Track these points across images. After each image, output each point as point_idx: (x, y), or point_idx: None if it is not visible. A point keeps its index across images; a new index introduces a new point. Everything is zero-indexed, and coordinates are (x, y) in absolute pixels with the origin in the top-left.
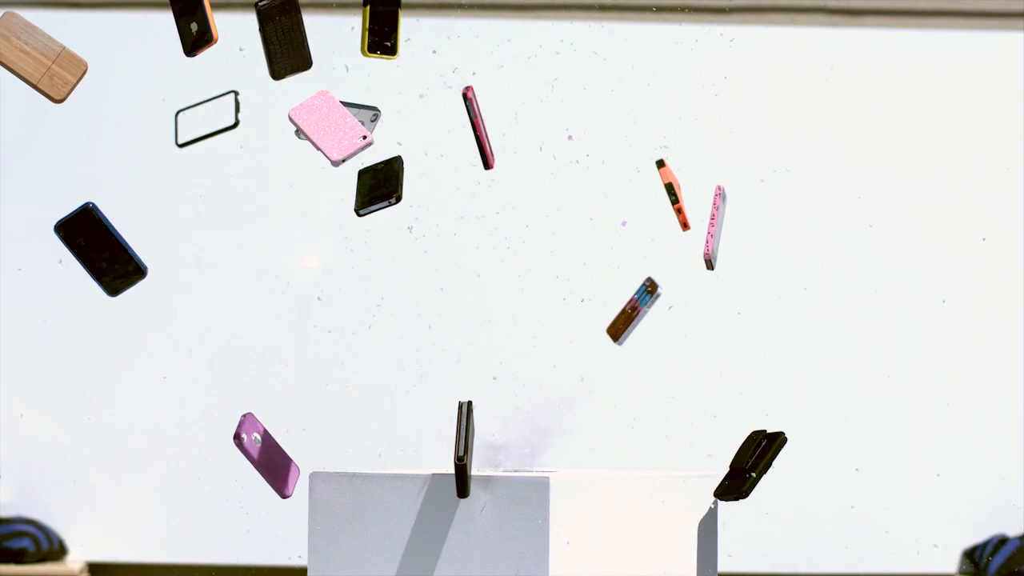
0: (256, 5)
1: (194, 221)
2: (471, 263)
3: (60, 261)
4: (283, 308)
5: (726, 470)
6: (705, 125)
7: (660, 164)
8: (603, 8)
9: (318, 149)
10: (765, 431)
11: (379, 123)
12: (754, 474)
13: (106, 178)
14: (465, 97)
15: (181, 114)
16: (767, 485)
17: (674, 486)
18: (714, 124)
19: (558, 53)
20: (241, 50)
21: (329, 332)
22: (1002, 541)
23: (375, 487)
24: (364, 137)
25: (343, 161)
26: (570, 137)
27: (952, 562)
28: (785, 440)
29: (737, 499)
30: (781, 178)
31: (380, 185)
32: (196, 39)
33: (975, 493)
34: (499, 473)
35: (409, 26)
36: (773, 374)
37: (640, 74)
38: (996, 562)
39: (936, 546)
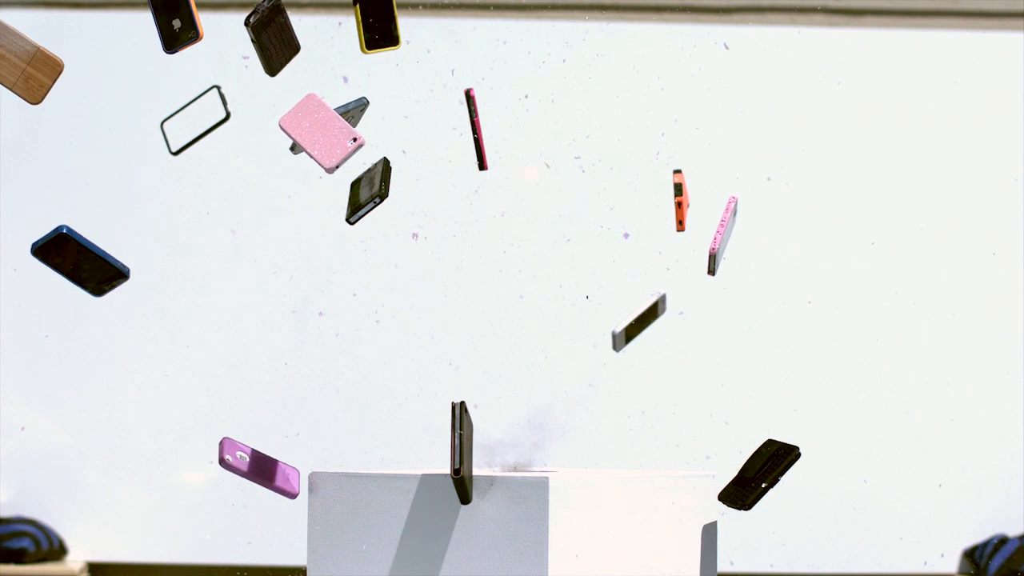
0: (248, 22)
1: (195, 224)
2: (472, 266)
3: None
4: (286, 311)
5: (727, 472)
6: (704, 127)
7: (677, 171)
8: (603, 8)
9: (312, 158)
10: (780, 442)
11: (377, 126)
12: (764, 485)
13: (103, 179)
14: (468, 96)
15: (167, 123)
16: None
17: (674, 487)
18: (713, 126)
19: (550, 55)
20: (245, 58)
21: (337, 335)
22: (1002, 541)
23: (375, 487)
24: (355, 139)
25: (337, 167)
26: (577, 157)
27: (952, 562)
28: (799, 455)
29: (740, 509)
30: (781, 183)
31: (367, 189)
32: (178, 36)
33: (975, 494)
34: (499, 473)
35: (407, 26)
36: (774, 379)
37: (640, 75)
38: (996, 562)
39: (936, 545)
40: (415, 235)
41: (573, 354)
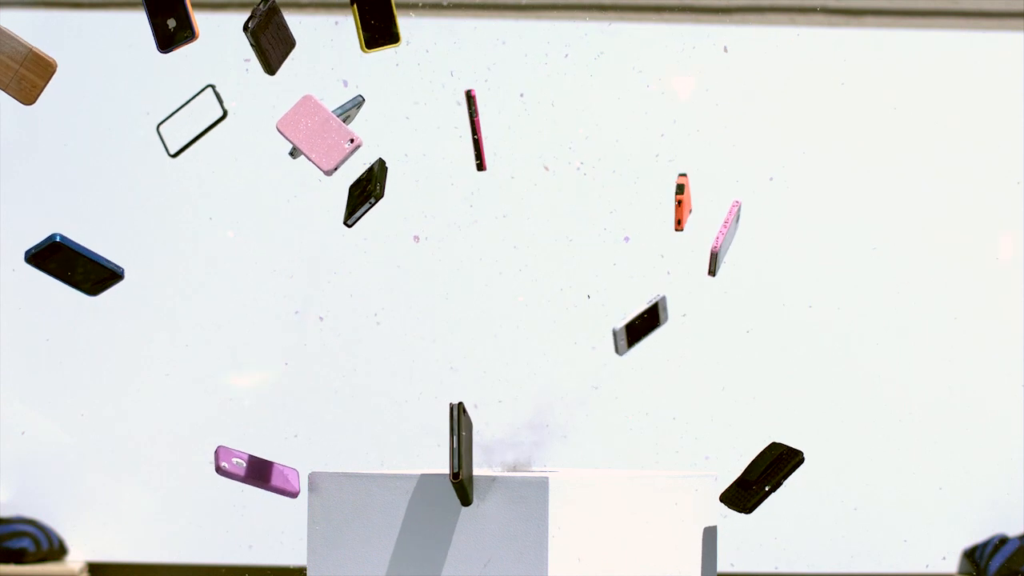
0: (246, 28)
1: (195, 226)
2: (472, 267)
3: None
4: (285, 311)
5: (726, 472)
6: (704, 128)
7: (682, 175)
8: (603, 8)
9: (310, 161)
10: (785, 446)
11: (377, 127)
12: (767, 488)
13: (100, 179)
14: (469, 97)
15: (162, 126)
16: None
17: (674, 487)
18: (713, 127)
19: (549, 55)
20: (246, 60)
21: (337, 336)
22: (1002, 541)
23: (374, 487)
24: (352, 140)
25: (335, 169)
26: (580, 165)
27: (953, 563)
28: (802, 460)
29: (740, 512)
30: (781, 185)
31: (363, 190)
32: (173, 36)
33: (975, 494)
34: (499, 473)
35: (406, 27)
36: (775, 381)
37: (640, 75)
38: (996, 562)
39: (937, 546)
40: (416, 238)
41: (574, 356)
